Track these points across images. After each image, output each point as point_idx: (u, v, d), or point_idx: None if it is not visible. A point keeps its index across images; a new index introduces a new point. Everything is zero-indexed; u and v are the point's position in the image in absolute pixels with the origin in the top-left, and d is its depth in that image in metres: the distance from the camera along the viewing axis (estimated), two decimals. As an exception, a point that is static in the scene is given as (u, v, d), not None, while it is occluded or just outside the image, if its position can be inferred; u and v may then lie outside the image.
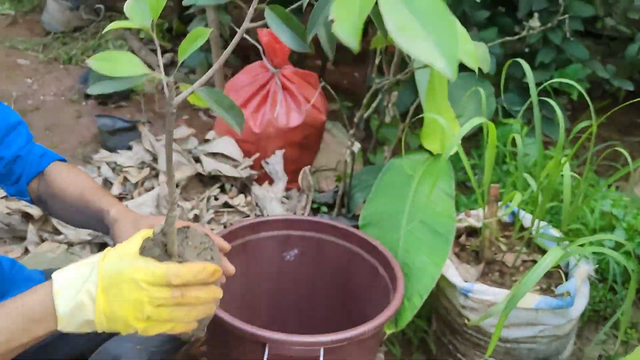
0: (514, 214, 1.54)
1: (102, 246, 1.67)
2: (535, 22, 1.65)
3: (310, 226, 1.43)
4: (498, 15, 2.04)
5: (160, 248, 0.73)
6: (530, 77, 1.37)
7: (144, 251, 0.73)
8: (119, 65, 0.68)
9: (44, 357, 1.22)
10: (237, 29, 1.79)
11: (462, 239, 1.54)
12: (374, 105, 1.66)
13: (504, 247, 1.44)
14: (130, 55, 0.69)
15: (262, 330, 1.03)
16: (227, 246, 0.94)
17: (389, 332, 1.34)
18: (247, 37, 1.97)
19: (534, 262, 1.45)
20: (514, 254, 1.46)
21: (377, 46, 1.45)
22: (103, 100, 2.55)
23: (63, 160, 1.21)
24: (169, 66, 2.81)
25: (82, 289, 0.72)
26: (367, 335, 1.07)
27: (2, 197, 1.76)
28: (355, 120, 1.66)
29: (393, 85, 1.62)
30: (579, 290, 1.36)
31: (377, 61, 1.64)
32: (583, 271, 1.40)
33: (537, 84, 1.41)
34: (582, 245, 1.24)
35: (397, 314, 1.34)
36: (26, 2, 3.67)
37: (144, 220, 1.01)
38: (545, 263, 1.08)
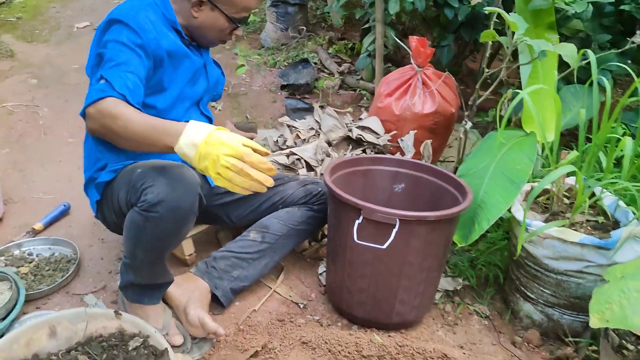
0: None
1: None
2: (637, 38, 1.94)
3: (413, 166, 1.94)
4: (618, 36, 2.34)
5: None
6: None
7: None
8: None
9: (217, 218, 1.92)
10: (399, 42, 2.38)
11: (541, 198, 1.91)
12: (487, 93, 2.11)
13: (566, 201, 1.78)
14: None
15: (359, 200, 1.58)
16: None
17: (459, 245, 1.78)
18: (402, 44, 2.57)
19: (597, 222, 1.77)
20: (580, 214, 1.79)
21: (485, 40, 1.91)
22: (292, 92, 3.34)
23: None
24: (346, 73, 3.52)
25: (198, 135, 1.22)
26: (432, 219, 1.55)
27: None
28: (470, 102, 2.13)
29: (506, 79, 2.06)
30: (628, 243, 1.64)
31: (487, 54, 2.09)
32: (635, 229, 1.67)
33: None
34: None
35: (468, 232, 1.77)
36: (251, 25, 4.74)
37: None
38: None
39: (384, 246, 1.54)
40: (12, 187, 2.44)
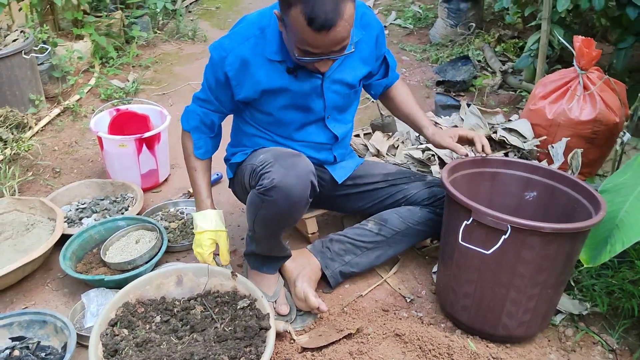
0: None
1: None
2: None
3: (548, 174, 1.80)
4: None
5: None
6: None
7: None
8: None
9: (339, 206, 2.03)
10: (565, 44, 2.20)
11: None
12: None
13: None
14: None
15: (471, 200, 1.52)
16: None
17: (585, 265, 1.61)
18: (566, 43, 2.37)
19: None
20: None
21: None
22: (447, 89, 3.27)
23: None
24: (509, 73, 3.34)
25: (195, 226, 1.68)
26: (547, 231, 1.44)
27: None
28: (630, 111, 1.90)
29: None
30: None
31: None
32: None
33: None
34: None
35: (598, 252, 1.60)
36: (423, 21, 4.72)
37: (450, 131, 1.81)
38: None
39: (489, 252, 1.48)
40: (180, 154, 2.79)
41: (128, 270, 1.83)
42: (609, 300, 1.80)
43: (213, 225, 1.68)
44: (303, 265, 1.82)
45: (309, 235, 2.08)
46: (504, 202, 1.85)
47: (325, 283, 1.87)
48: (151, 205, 2.34)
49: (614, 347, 1.68)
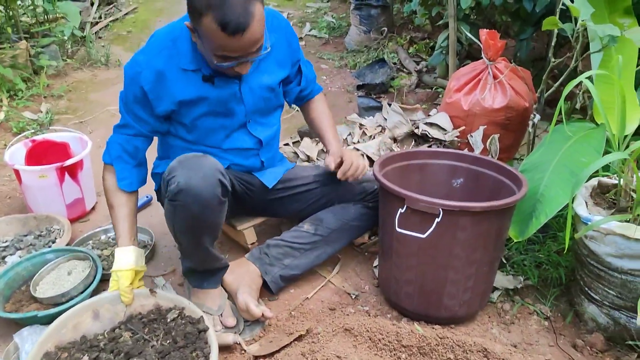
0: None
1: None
2: None
3: (473, 160, 1.89)
4: None
5: None
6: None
7: None
8: None
9: (273, 211, 2.00)
10: (472, 38, 2.33)
11: (610, 194, 1.78)
12: (556, 84, 2.01)
13: (633, 195, 1.65)
14: None
15: (403, 189, 1.58)
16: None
17: (515, 239, 1.71)
18: (473, 38, 2.51)
19: (671, 219, 1.62)
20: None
21: (548, 28, 1.82)
22: (368, 92, 3.37)
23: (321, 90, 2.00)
24: (424, 72, 3.49)
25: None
26: (477, 210, 1.51)
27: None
28: (537, 94, 2.04)
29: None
30: None
31: (553, 43, 1.99)
32: None
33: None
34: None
35: (525, 226, 1.70)
36: (337, 29, 4.84)
37: (341, 152, 1.84)
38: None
39: (424, 235, 1.53)
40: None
41: (63, 303, 1.74)
42: (538, 272, 1.91)
43: (130, 264, 1.62)
44: (242, 275, 1.81)
45: (249, 246, 2.06)
46: (434, 191, 1.92)
47: (268, 291, 1.87)
48: (80, 235, 2.25)
49: (548, 315, 1.79)
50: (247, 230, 2.04)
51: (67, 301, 1.75)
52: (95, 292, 1.84)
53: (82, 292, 1.79)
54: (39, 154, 2.41)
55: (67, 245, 2.09)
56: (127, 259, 1.62)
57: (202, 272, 1.73)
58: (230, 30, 1.39)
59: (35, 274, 1.87)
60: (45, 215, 2.25)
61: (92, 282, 1.83)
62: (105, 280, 1.96)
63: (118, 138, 1.71)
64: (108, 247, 2.15)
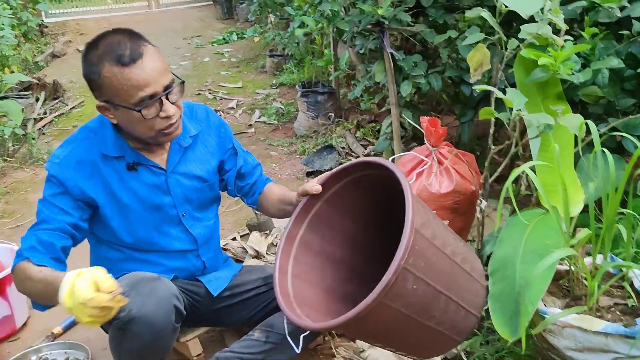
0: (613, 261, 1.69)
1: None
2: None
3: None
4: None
5: None
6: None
7: None
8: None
9: (221, 321, 1.87)
10: (415, 125, 2.35)
11: (563, 281, 1.75)
12: (499, 170, 2.02)
13: (586, 283, 1.62)
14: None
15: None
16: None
17: (509, 340, 1.54)
18: (415, 125, 2.54)
19: (626, 305, 1.59)
20: (608, 297, 1.62)
21: (485, 117, 1.85)
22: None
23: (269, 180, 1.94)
24: (372, 156, 3.50)
25: (61, 292, 1.26)
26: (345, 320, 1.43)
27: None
28: (481, 180, 2.04)
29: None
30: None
31: (491, 131, 2.01)
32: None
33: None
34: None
35: (514, 324, 1.56)
36: (286, 115, 4.88)
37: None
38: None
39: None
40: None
41: None
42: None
43: (71, 277, 1.30)
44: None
45: (194, 359, 1.91)
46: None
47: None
48: (8, 357, 2.04)
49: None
50: (192, 341, 1.90)
51: None
52: None
53: None
54: (-36, 269, 2.24)
55: (-11, 373, 1.89)
56: (67, 277, 1.29)
57: None
58: (126, 60, 1.42)
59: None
60: (-32, 338, 2.05)
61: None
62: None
63: (32, 233, 1.52)
64: (38, 371, 1.96)
